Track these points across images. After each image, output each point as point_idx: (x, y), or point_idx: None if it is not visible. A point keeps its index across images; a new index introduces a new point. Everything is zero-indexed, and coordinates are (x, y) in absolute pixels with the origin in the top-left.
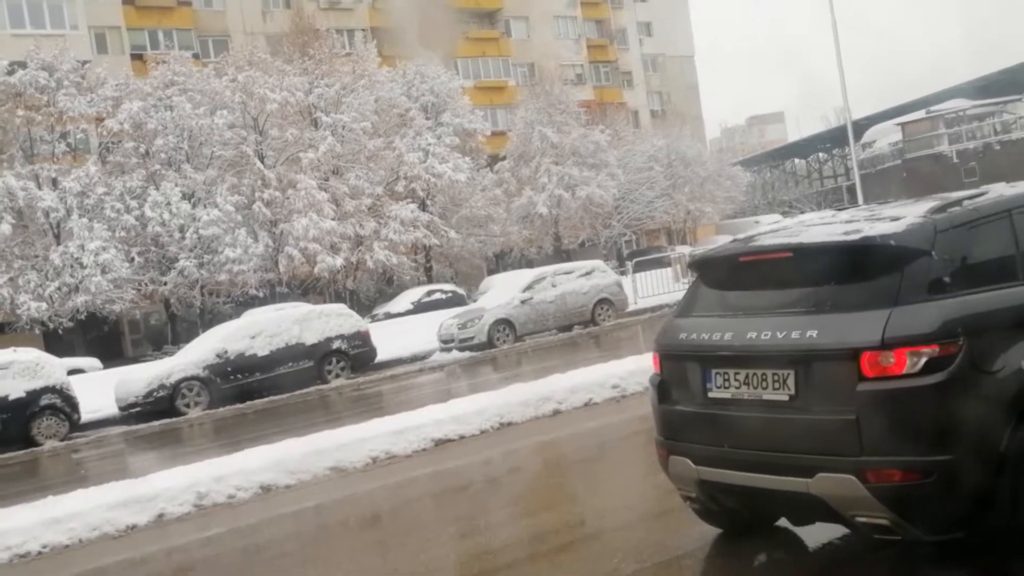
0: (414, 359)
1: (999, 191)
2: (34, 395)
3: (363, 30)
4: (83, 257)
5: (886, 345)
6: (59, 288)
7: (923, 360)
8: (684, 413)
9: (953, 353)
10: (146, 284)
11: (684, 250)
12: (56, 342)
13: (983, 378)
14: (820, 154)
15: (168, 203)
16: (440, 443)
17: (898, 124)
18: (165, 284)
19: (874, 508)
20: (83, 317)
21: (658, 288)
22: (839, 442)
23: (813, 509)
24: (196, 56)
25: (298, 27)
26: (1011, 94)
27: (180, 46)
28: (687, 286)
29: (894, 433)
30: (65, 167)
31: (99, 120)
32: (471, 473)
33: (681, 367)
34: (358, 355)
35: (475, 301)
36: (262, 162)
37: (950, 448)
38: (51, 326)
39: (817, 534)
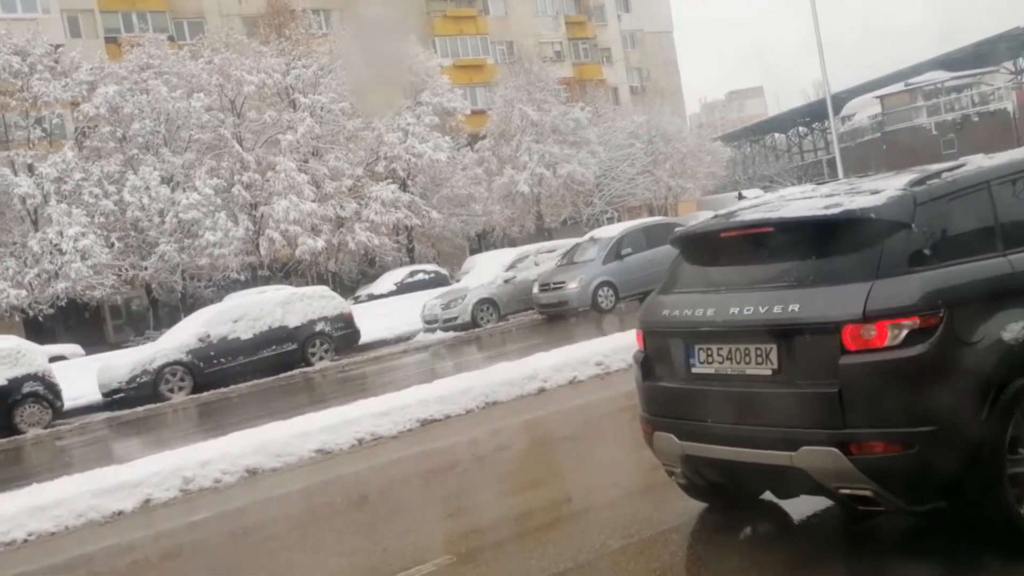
0: (398, 340)
1: (978, 163)
2: (16, 383)
3: (339, 9)
4: (62, 243)
5: (867, 318)
6: (38, 275)
7: (904, 332)
8: (668, 389)
9: (934, 325)
10: (126, 269)
11: None
12: (37, 329)
13: (964, 349)
14: (800, 128)
15: (147, 187)
16: (426, 423)
17: (877, 97)
18: (146, 269)
19: (857, 480)
20: (63, 303)
21: None
22: (822, 415)
23: (797, 482)
24: (171, 39)
25: (274, 8)
26: (988, 65)
27: (155, 29)
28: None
29: (876, 405)
30: (41, 153)
31: (74, 105)
32: (457, 452)
33: (664, 343)
34: (342, 337)
35: (458, 281)
36: (240, 145)
37: (932, 419)
38: (31, 313)
39: (802, 507)
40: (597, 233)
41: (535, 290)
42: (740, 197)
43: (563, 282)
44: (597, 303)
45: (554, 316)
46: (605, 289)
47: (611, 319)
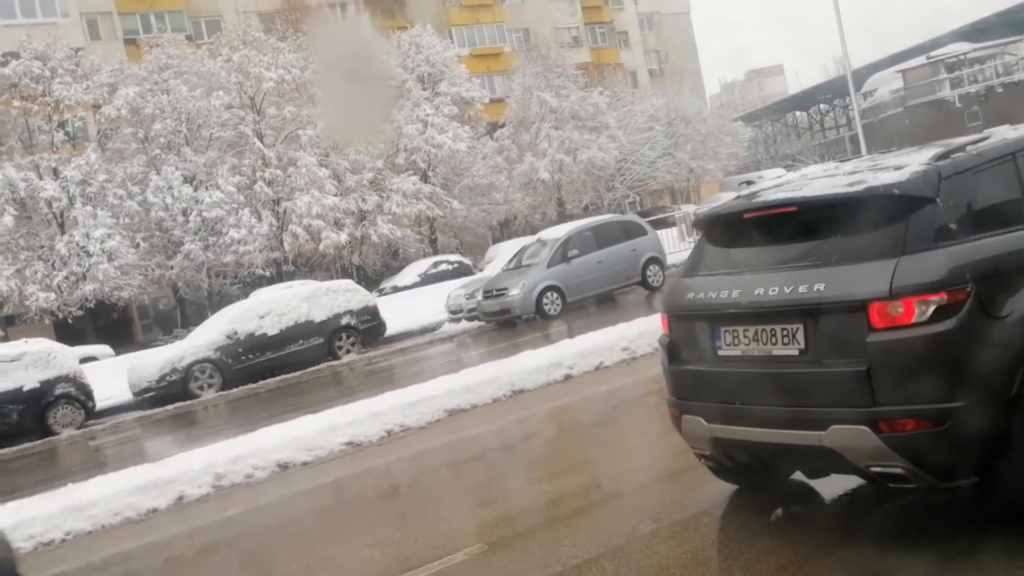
0: (424, 331)
1: (1003, 134)
2: (48, 385)
3: (355, 3)
4: (89, 245)
5: (894, 295)
6: (67, 277)
7: (932, 308)
8: (695, 372)
9: (962, 300)
10: (153, 269)
11: (689, 209)
12: (67, 331)
13: (992, 323)
14: (821, 105)
15: (170, 187)
16: (453, 413)
17: (899, 71)
18: (172, 268)
19: (888, 457)
20: (92, 305)
21: (664, 248)
22: (851, 394)
23: (828, 461)
24: (189, 38)
25: (290, 3)
26: (1011, 35)
27: (173, 28)
28: (693, 245)
29: (905, 382)
30: (65, 156)
31: (96, 107)
32: (485, 441)
33: (690, 327)
34: (368, 330)
35: (481, 270)
36: (261, 141)
37: (962, 395)
38: (61, 315)
39: (833, 486)
40: (545, 234)
41: (479, 297)
42: (748, 184)
43: (506, 288)
44: (542, 309)
45: (503, 324)
46: (551, 294)
47: (558, 325)
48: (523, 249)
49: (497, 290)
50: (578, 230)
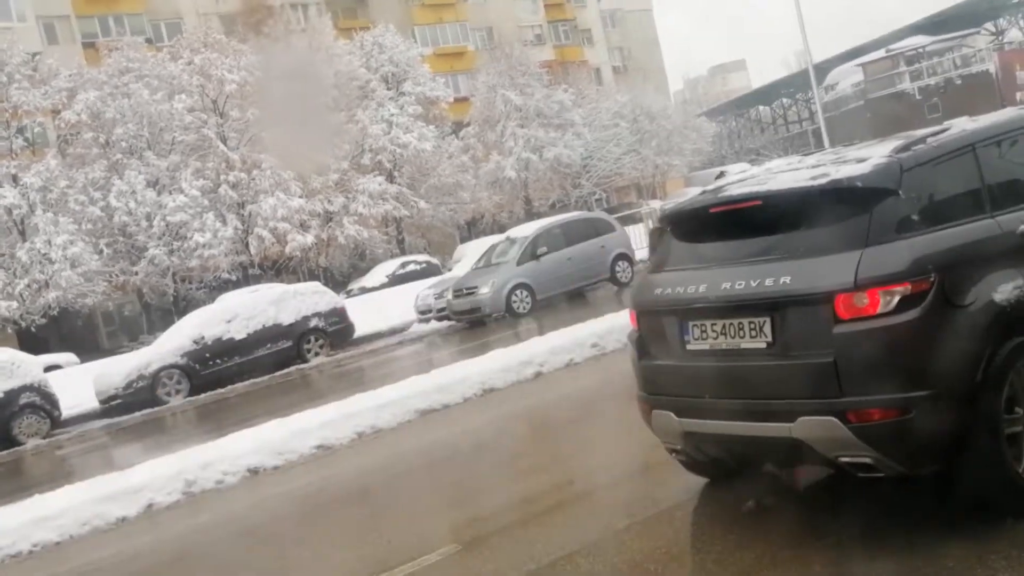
0: (393, 332)
1: (962, 126)
2: (12, 395)
3: (316, 3)
4: (51, 252)
5: (859, 286)
6: (29, 285)
7: (896, 298)
8: (664, 367)
9: (925, 290)
10: (117, 275)
11: (655, 204)
12: (30, 340)
13: (956, 312)
14: (784, 100)
15: (133, 192)
16: (425, 414)
17: (859, 65)
18: (136, 274)
19: (857, 447)
20: (56, 313)
21: (632, 244)
22: (818, 385)
23: (797, 453)
24: (149, 41)
25: (251, 5)
26: (969, 27)
27: (132, 31)
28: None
29: (872, 372)
30: (25, 162)
31: (55, 112)
32: (457, 442)
33: (658, 322)
34: (336, 332)
35: (450, 270)
36: (225, 144)
37: (927, 383)
38: (24, 324)
39: (804, 477)
40: (514, 232)
41: (449, 296)
42: (720, 176)
43: (475, 287)
44: (512, 307)
45: (473, 323)
46: (520, 292)
47: (528, 323)
48: (492, 248)
49: (467, 289)
50: (547, 228)
